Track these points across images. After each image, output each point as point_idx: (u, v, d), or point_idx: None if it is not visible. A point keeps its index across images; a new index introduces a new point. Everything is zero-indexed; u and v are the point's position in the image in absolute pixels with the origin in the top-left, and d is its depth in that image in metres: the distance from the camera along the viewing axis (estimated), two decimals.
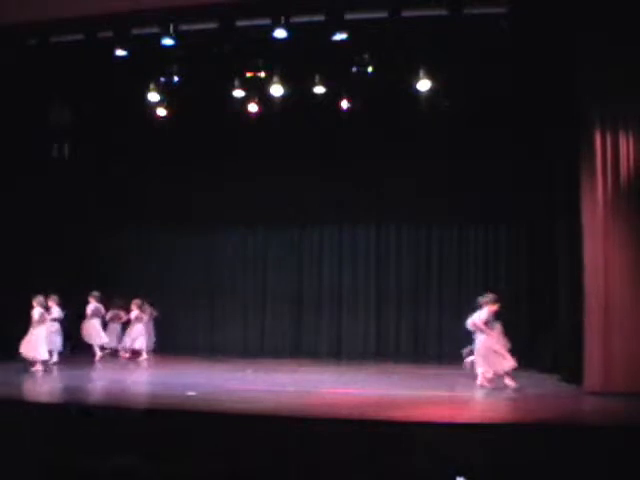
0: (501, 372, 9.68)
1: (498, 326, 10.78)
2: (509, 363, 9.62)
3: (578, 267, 9.61)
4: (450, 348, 13.88)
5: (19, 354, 11.49)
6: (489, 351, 9.71)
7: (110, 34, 10.10)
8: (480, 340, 9.83)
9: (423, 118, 12.26)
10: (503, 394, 9.40)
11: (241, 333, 14.96)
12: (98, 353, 13.33)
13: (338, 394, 9.34)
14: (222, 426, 7.30)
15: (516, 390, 9.48)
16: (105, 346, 13.60)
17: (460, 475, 5.36)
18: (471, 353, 10.48)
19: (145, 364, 13.11)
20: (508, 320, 13.58)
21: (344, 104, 12.39)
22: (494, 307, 9.94)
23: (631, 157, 9.19)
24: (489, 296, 10.05)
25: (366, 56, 10.59)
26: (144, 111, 12.25)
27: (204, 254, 15.13)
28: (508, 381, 9.63)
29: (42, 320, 11.43)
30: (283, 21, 9.62)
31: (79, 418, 7.49)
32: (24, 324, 11.66)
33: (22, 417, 7.64)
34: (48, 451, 6.49)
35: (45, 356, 11.43)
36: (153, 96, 11.67)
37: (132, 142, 14.21)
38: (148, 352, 13.61)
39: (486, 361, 9.73)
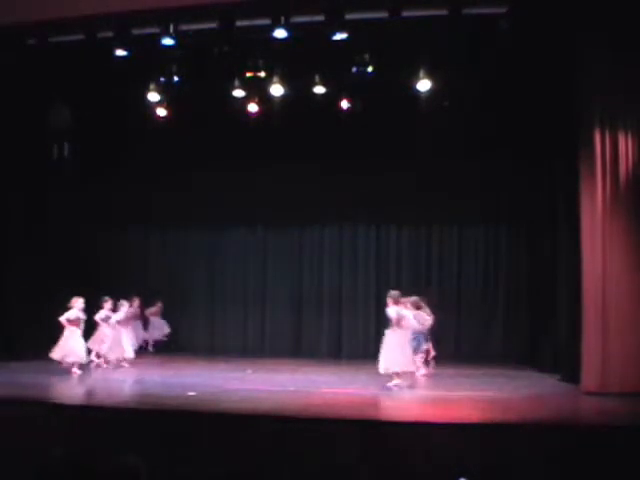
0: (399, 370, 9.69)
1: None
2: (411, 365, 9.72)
3: (577, 267, 9.61)
4: (450, 348, 13.93)
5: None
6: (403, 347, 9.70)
7: (110, 34, 10.08)
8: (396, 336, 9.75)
9: (423, 118, 12.27)
10: (503, 394, 9.40)
11: (241, 333, 14.97)
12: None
13: (338, 394, 9.33)
14: (222, 426, 7.31)
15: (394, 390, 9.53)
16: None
17: (460, 476, 5.36)
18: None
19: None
20: (508, 320, 13.73)
21: (344, 104, 12.40)
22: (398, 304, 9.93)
23: (630, 157, 9.19)
24: (394, 293, 10.00)
25: (366, 56, 10.58)
26: (144, 111, 12.25)
27: (204, 254, 15.14)
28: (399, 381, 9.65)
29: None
30: (283, 21, 9.61)
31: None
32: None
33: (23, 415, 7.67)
34: (48, 450, 6.49)
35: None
36: (153, 96, 11.66)
37: (132, 142, 14.21)
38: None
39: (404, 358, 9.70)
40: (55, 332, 13.64)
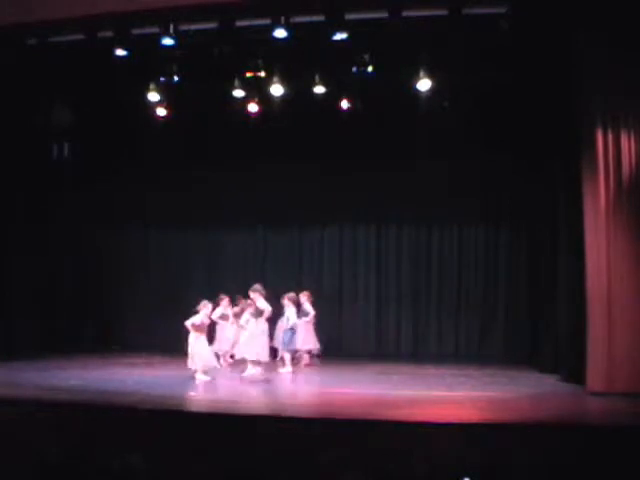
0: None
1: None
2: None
3: (579, 267, 9.60)
4: (450, 348, 13.94)
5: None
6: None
7: (110, 34, 10.09)
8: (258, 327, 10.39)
9: (423, 118, 12.26)
10: (503, 394, 9.40)
11: None
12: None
13: (338, 394, 9.34)
14: (222, 426, 7.31)
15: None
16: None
17: (461, 476, 5.36)
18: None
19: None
20: (508, 320, 13.72)
21: (344, 104, 12.40)
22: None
23: (633, 155, 9.16)
24: (258, 287, 10.71)
25: (366, 56, 10.59)
26: (144, 111, 12.25)
27: (204, 254, 15.12)
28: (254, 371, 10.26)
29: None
30: (283, 21, 9.62)
31: None
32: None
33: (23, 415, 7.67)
34: (48, 450, 6.50)
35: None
36: (153, 96, 11.67)
37: (132, 142, 14.21)
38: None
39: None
40: (55, 330, 13.70)
